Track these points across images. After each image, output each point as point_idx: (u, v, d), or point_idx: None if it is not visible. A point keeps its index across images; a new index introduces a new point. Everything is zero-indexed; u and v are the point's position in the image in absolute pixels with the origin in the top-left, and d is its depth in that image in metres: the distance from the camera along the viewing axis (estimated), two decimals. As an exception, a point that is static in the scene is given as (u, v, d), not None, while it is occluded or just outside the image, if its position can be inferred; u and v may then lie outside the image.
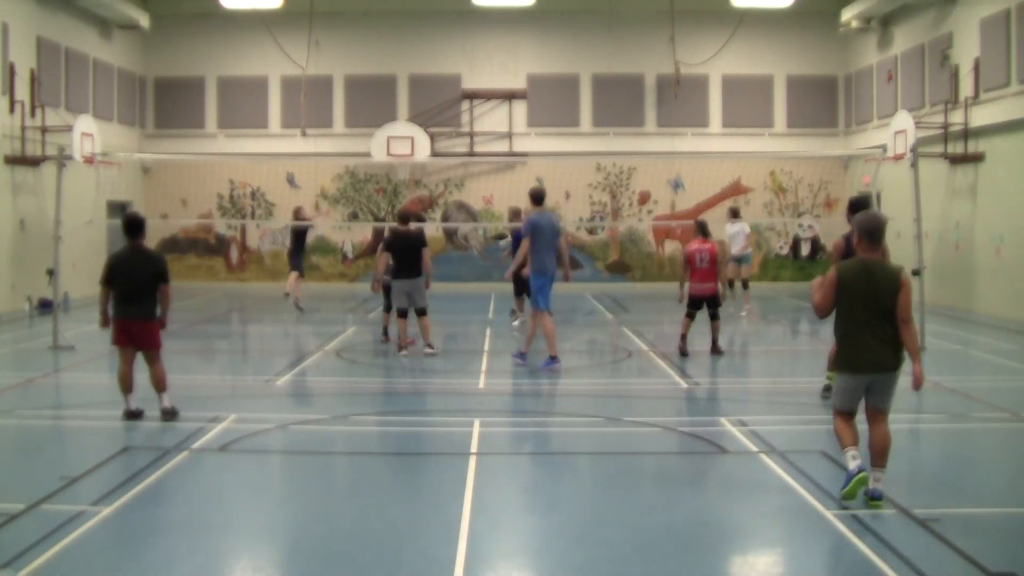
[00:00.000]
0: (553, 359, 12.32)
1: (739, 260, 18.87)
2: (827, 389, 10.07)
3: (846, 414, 6.83)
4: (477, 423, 9.35)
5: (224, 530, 6.39)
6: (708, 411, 10.33)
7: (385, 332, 14.90)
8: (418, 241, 13.60)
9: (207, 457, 8.16)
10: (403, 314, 13.54)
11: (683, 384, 11.68)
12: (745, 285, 19.04)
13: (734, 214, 19.77)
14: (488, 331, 16.45)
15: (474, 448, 8.46)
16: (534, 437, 9.26)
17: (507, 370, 12.60)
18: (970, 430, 9.36)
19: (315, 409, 10.46)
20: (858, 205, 10.00)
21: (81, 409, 10.18)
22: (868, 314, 6.60)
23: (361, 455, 8.52)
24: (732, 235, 18.97)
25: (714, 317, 13.62)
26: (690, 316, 13.53)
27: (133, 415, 9.33)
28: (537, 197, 12.52)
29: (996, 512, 6.71)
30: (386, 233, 14.11)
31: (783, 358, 14.38)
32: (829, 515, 6.46)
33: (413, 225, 14.00)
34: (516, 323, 16.70)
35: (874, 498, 6.58)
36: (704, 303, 13.51)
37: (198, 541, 6.10)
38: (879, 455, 6.66)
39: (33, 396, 10.86)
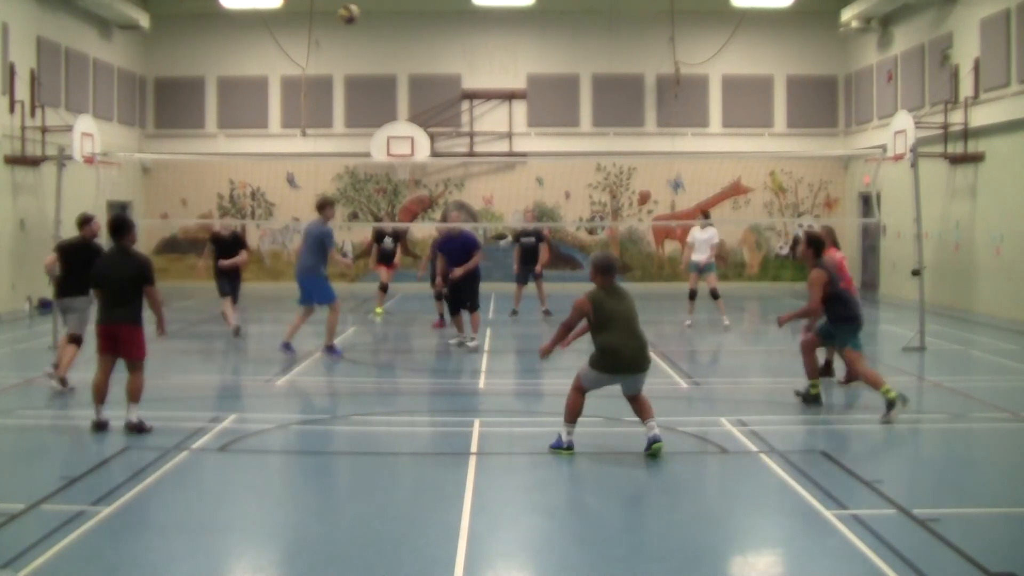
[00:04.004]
0: (331, 349, 13.42)
1: (703, 270, 16.62)
2: (806, 396, 10.21)
3: (585, 393, 8.16)
4: (477, 423, 9.36)
5: (224, 530, 6.39)
6: (708, 411, 10.32)
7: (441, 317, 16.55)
8: (92, 252, 10.84)
9: (207, 457, 8.16)
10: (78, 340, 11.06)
11: (683, 384, 11.68)
12: (715, 295, 16.66)
13: (705, 217, 17.87)
14: (488, 331, 16.45)
15: (474, 448, 8.47)
16: (534, 437, 9.25)
17: (507, 370, 12.60)
18: (970, 430, 9.37)
19: (315, 409, 10.46)
20: (818, 241, 10.08)
21: (81, 409, 10.15)
22: (626, 326, 8.09)
23: (361, 455, 8.52)
24: (701, 242, 16.72)
25: None
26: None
27: (100, 426, 8.90)
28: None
29: (996, 512, 6.70)
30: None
31: (783, 358, 14.36)
32: (829, 515, 6.46)
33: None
34: (453, 341, 14.47)
35: (657, 441, 7.92)
36: None
37: (198, 541, 6.10)
38: (647, 412, 8.06)
39: (33, 396, 10.85)
